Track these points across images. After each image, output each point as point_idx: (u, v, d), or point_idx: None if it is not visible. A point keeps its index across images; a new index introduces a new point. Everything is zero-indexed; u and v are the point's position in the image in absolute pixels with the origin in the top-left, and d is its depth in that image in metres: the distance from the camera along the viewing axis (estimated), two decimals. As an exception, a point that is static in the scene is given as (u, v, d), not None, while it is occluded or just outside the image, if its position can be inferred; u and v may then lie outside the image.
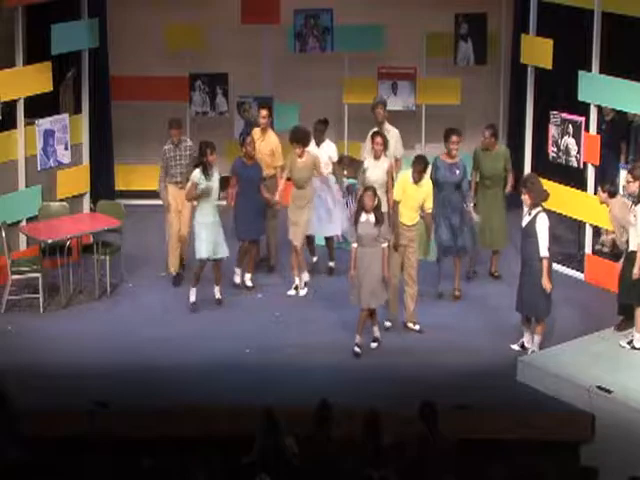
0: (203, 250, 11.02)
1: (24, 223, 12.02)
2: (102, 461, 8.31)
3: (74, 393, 9.66)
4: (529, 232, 9.99)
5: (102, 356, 10.35)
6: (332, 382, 9.81)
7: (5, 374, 9.42)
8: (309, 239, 11.86)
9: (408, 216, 10.73)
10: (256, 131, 11.99)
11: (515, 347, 10.32)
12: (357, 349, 10.29)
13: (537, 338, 10.20)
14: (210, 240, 11.01)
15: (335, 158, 11.90)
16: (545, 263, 9.91)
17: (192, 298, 11.16)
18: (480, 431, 9.19)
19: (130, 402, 9.56)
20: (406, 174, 10.81)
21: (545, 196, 10.14)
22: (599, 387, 9.48)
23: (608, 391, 9.45)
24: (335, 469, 8.08)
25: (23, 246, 12.07)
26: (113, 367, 10.13)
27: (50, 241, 11.40)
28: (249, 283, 11.56)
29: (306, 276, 11.53)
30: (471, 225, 11.41)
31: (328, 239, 11.99)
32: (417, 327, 10.80)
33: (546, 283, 9.92)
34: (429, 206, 10.77)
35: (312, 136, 11.65)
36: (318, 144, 11.82)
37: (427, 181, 10.82)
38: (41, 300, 11.25)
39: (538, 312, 10.13)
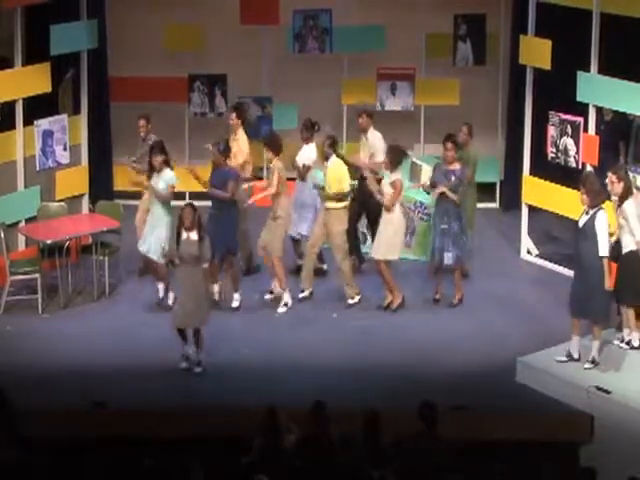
0: (145, 247, 11.11)
1: (23, 224, 12.03)
2: (102, 461, 8.31)
3: (73, 393, 9.67)
4: (587, 232, 9.70)
5: (101, 356, 10.34)
6: (331, 383, 9.80)
7: (4, 374, 9.42)
8: (296, 242, 11.80)
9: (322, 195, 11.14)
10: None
11: (561, 358, 9.91)
12: (184, 364, 10.07)
13: (596, 343, 9.81)
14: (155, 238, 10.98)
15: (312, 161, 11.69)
16: (605, 262, 9.67)
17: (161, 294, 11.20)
18: (479, 432, 9.18)
19: (129, 402, 9.56)
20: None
21: (604, 197, 9.86)
22: (598, 388, 9.48)
23: (607, 392, 9.45)
24: (334, 469, 8.08)
25: (22, 247, 12.07)
26: (112, 367, 10.13)
27: (49, 242, 11.40)
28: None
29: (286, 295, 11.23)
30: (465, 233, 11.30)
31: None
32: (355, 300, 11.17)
33: (608, 282, 9.67)
34: (341, 187, 11.08)
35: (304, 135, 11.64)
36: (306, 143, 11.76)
37: (334, 161, 11.11)
38: (40, 301, 11.25)
39: (596, 314, 9.78)
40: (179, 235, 9.98)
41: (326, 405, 8.32)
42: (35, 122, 12.21)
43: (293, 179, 11.77)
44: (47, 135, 12.32)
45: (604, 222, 9.72)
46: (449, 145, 11.18)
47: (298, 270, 11.62)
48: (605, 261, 9.71)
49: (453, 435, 8.46)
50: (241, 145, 11.90)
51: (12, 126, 12.02)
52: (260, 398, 9.05)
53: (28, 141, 12.11)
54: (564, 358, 9.92)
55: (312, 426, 8.29)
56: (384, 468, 8.02)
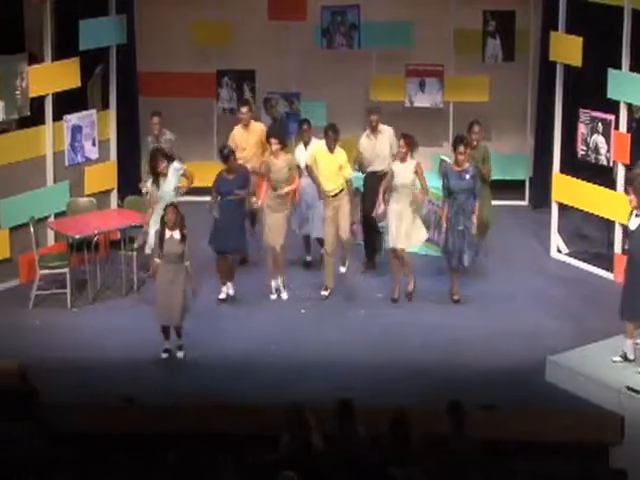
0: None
1: (52, 218, 12.07)
2: (127, 455, 8.32)
3: (100, 388, 9.70)
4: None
5: (129, 351, 10.37)
6: (358, 380, 9.79)
7: (33, 369, 9.44)
8: (306, 238, 11.84)
9: (327, 185, 11.15)
10: (238, 129, 12.05)
11: (617, 359, 9.85)
12: (164, 354, 10.32)
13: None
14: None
15: None
16: None
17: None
18: (508, 431, 9.13)
19: (155, 397, 9.57)
20: (319, 144, 11.29)
21: None
22: (629, 388, 9.41)
23: (637, 392, 9.38)
24: (360, 467, 8.06)
25: (51, 241, 12.11)
26: (139, 362, 10.16)
27: (78, 236, 11.45)
28: (231, 292, 11.30)
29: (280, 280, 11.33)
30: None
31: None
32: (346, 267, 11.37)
33: None
34: (348, 172, 11.24)
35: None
36: (305, 145, 11.74)
37: (340, 150, 11.24)
38: (69, 295, 11.30)
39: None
40: (163, 235, 10.15)
41: (353, 403, 8.30)
42: (64, 117, 12.24)
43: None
44: (76, 130, 12.36)
45: None
46: (462, 149, 11.06)
47: (306, 265, 11.80)
48: None
49: (481, 434, 8.42)
50: (259, 136, 11.90)
51: (42, 121, 12.06)
52: (284, 395, 9.02)
53: (57, 136, 12.15)
54: (619, 359, 9.83)
55: (338, 424, 8.27)
56: (410, 467, 7.99)
